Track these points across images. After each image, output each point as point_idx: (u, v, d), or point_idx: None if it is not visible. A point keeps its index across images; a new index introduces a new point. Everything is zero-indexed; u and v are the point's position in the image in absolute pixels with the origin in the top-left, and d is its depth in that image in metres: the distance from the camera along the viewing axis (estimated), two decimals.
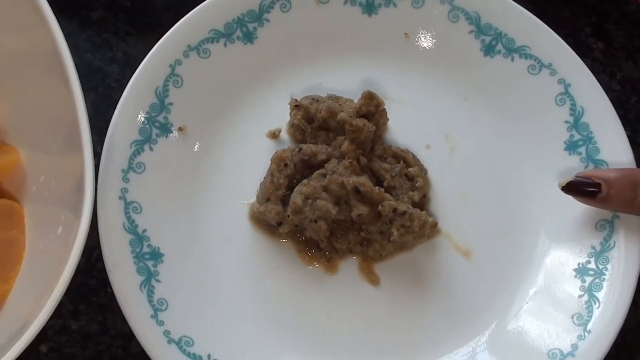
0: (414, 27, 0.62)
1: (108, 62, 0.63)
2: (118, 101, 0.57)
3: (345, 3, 0.61)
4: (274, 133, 0.60)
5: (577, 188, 0.54)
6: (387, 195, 0.56)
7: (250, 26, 0.60)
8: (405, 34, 0.62)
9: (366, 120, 0.57)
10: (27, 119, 0.56)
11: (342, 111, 0.58)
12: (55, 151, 0.54)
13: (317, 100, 0.59)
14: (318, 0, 0.61)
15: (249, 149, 0.60)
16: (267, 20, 0.61)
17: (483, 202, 0.59)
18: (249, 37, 0.60)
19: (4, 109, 0.57)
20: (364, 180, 0.55)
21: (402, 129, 0.61)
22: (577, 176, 0.54)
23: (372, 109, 0.58)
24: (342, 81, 0.61)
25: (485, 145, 0.61)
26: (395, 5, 0.61)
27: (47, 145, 0.55)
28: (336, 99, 0.60)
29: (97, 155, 0.56)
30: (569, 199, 0.57)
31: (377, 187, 0.56)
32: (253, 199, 0.59)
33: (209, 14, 0.60)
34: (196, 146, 0.59)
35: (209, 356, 0.54)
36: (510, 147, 0.60)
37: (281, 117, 0.60)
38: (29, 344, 0.45)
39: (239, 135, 0.60)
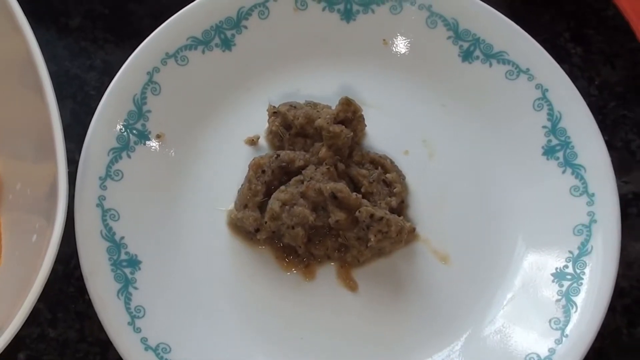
0: (392, 33, 0.62)
1: (86, 70, 0.63)
2: (96, 109, 0.57)
3: (323, 10, 0.61)
4: (253, 140, 0.60)
5: None
6: (365, 201, 0.56)
7: (229, 33, 0.60)
8: (384, 40, 0.62)
9: (344, 127, 0.57)
10: (3, 126, 0.56)
11: (320, 117, 0.58)
12: (31, 159, 0.54)
13: (295, 107, 0.59)
14: (296, 7, 0.61)
15: (227, 156, 0.60)
16: (245, 28, 0.61)
17: (461, 207, 0.59)
18: (227, 44, 0.61)
19: None
20: (341, 187, 0.55)
21: (380, 135, 0.61)
22: None
23: (349, 115, 0.58)
24: (320, 87, 0.62)
25: (464, 151, 0.61)
26: (373, 11, 0.61)
27: (23, 152, 0.55)
28: (314, 105, 0.60)
29: (75, 162, 0.57)
30: (547, 203, 0.58)
31: (354, 193, 0.56)
32: (231, 206, 0.59)
33: (186, 21, 0.60)
34: (174, 153, 0.59)
35: None
36: (488, 152, 0.60)
37: (259, 124, 0.60)
38: (2, 350, 0.45)
39: (217, 142, 0.60)
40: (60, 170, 0.50)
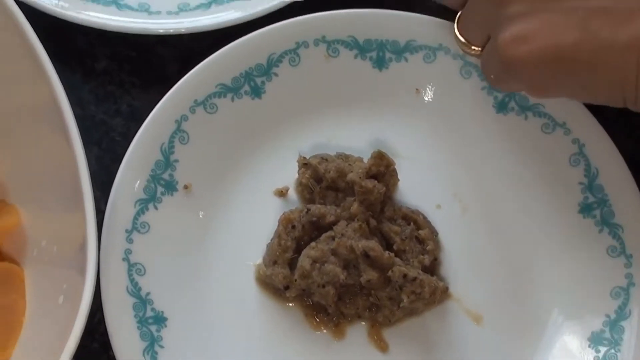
0: (425, 83, 0.60)
1: (112, 115, 0.62)
2: (122, 155, 0.56)
3: (355, 57, 0.60)
4: (282, 191, 0.59)
5: None
6: (397, 260, 0.55)
7: (259, 80, 0.59)
8: (417, 89, 0.60)
9: (376, 182, 0.55)
10: (29, 176, 0.55)
11: (352, 171, 0.56)
12: (57, 210, 0.53)
13: (326, 160, 0.58)
14: (327, 55, 0.59)
15: (256, 207, 0.58)
16: (276, 75, 0.59)
17: (494, 265, 0.58)
18: (256, 92, 0.59)
19: (5, 165, 0.55)
20: (373, 245, 0.54)
21: (412, 188, 0.59)
22: None
23: (382, 169, 0.56)
24: (351, 137, 0.60)
25: (497, 206, 0.59)
26: (406, 60, 0.60)
27: (48, 204, 0.54)
28: (345, 157, 0.59)
29: (100, 212, 0.55)
30: (583, 263, 0.56)
31: (387, 252, 0.54)
32: (259, 260, 0.57)
33: (216, 67, 0.58)
34: (202, 205, 0.58)
35: None
36: (523, 209, 0.58)
37: (289, 175, 0.59)
38: None
39: (246, 193, 0.59)
40: (89, 228, 0.48)
